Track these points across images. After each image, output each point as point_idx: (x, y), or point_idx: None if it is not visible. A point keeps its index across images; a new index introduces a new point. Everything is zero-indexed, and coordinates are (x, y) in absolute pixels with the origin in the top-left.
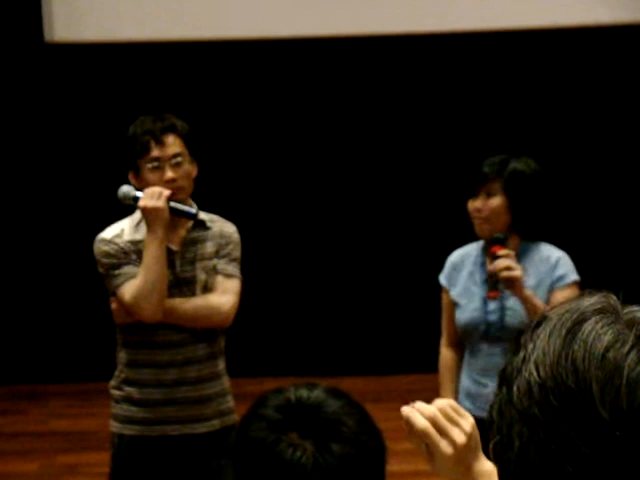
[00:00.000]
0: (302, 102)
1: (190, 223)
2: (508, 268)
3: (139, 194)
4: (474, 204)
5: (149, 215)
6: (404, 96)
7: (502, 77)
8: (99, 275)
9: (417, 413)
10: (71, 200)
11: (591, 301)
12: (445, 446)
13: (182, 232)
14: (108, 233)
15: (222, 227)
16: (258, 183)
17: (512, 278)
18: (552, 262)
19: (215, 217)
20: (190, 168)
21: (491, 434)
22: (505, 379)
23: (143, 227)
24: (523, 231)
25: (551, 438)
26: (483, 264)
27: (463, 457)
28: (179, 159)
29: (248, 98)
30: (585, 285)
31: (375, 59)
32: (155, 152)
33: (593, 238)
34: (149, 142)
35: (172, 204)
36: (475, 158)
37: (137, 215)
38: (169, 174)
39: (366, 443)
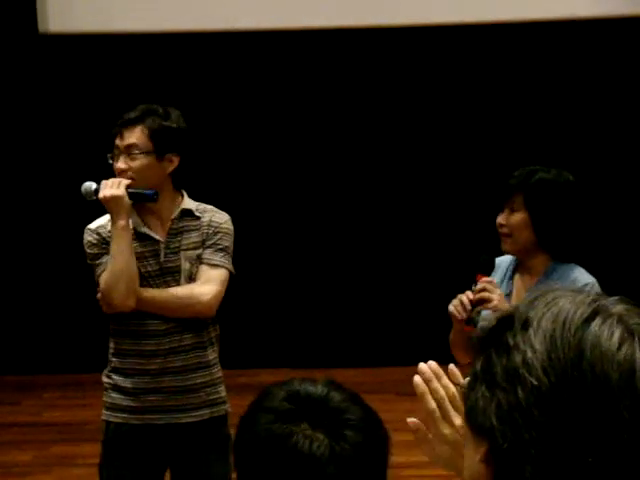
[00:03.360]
0: (303, 96)
1: (177, 213)
2: (485, 290)
3: (99, 187)
4: (498, 219)
5: (109, 204)
6: (412, 89)
7: (524, 73)
8: (90, 266)
9: (429, 395)
10: (63, 191)
11: (576, 300)
12: (444, 427)
13: (168, 222)
14: (94, 223)
15: (212, 217)
16: (255, 174)
17: (486, 299)
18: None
19: (209, 207)
20: (147, 162)
21: (488, 441)
22: (495, 382)
23: (130, 217)
24: (552, 250)
25: (570, 443)
26: (511, 278)
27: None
28: (133, 150)
29: (244, 90)
30: None
31: (382, 52)
32: (116, 140)
33: (622, 256)
34: (116, 132)
35: (130, 190)
36: (485, 155)
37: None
38: (118, 164)
39: (374, 431)
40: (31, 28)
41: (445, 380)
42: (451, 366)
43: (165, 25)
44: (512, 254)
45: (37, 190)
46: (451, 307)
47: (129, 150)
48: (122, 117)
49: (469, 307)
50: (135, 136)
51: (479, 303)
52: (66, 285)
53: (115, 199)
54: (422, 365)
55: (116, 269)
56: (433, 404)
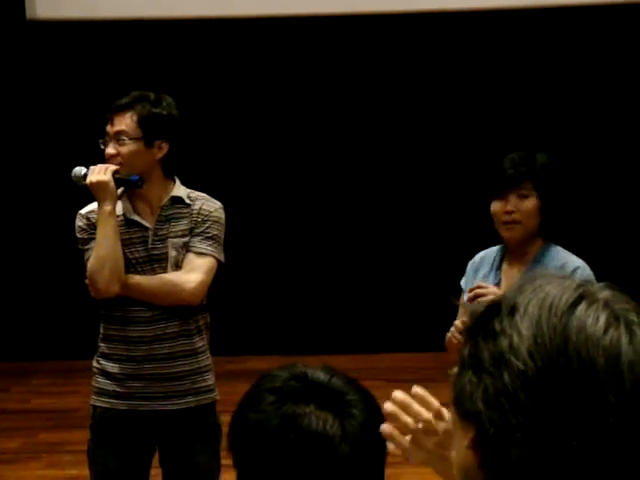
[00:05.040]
0: (297, 84)
1: (166, 200)
2: (478, 295)
3: (87, 172)
4: (505, 207)
5: (96, 190)
6: (412, 79)
7: (510, 61)
8: (80, 252)
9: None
10: (52, 178)
11: (563, 285)
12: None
13: (157, 210)
14: (86, 209)
15: (202, 205)
16: (248, 162)
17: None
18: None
19: (201, 195)
20: (135, 149)
21: (475, 426)
22: (481, 367)
23: (118, 204)
24: (549, 235)
25: (556, 427)
26: (498, 268)
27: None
28: (121, 136)
29: (237, 78)
30: None
31: (380, 39)
32: (107, 127)
33: (606, 238)
34: (108, 118)
35: (116, 176)
36: (477, 145)
37: (118, 192)
38: (107, 150)
39: (376, 411)
40: (19, 14)
41: (415, 407)
42: (414, 389)
43: (153, 12)
44: (516, 241)
45: (25, 177)
46: (454, 340)
47: (118, 136)
48: (114, 103)
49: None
50: (124, 122)
51: None
52: (55, 271)
53: (101, 185)
54: (387, 405)
55: (101, 254)
56: (406, 440)
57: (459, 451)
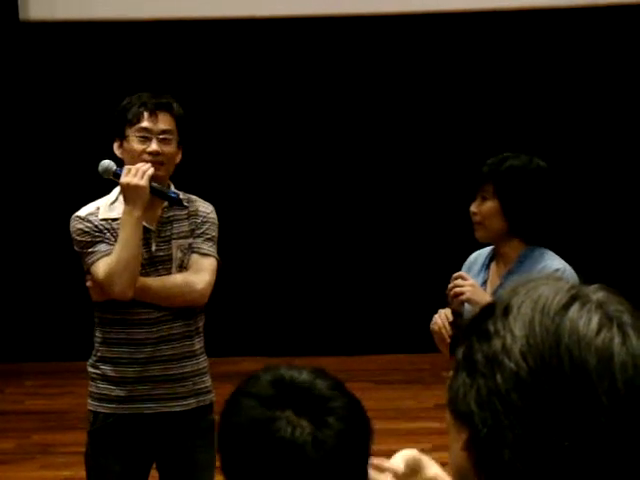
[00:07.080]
0: (291, 85)
1: (166, 202)
2: (456, 286)
3: (121, 170)
4: (470, 207)
5: (130, 192)
6: (411, 79)
7: (512, 61)
8: (75, 254)
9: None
10: (47, 179)
11: (556, 286)
12: None
13: (158, 211)
14: (83, 211)
15: (199, 207)
16: (239, 161)
17: (458, 293)
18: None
19: (193, 197)
20: (175, 150)
21: (470, 427)
22: (475, 368)
23: (118, 206)
24: (524, 236)
25: (548, 428)
26: (487, 267)
27: None
28: (168, 136)
29: (232, 79)
30: None
31: (377, 42)
32: (146, 123)
33: (600, 241)
34: (142, 113)
35: (154, 185)
36: (475, 144)
37: (113, 195)
38: (154, 146)
39: (358, 420)
40: (12, 15)
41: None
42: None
43: (148, 13)
44: (485, 241)
45: (20, 177)
46: (435, 327)
47: (164, 135)
48: (142, 100)
49: (449, 329)
50: (168, 121)
51: (455, 297)
52: (49, 273)
53: (137, 189)
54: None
55: (124, 257)
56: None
57: (454, 453)
